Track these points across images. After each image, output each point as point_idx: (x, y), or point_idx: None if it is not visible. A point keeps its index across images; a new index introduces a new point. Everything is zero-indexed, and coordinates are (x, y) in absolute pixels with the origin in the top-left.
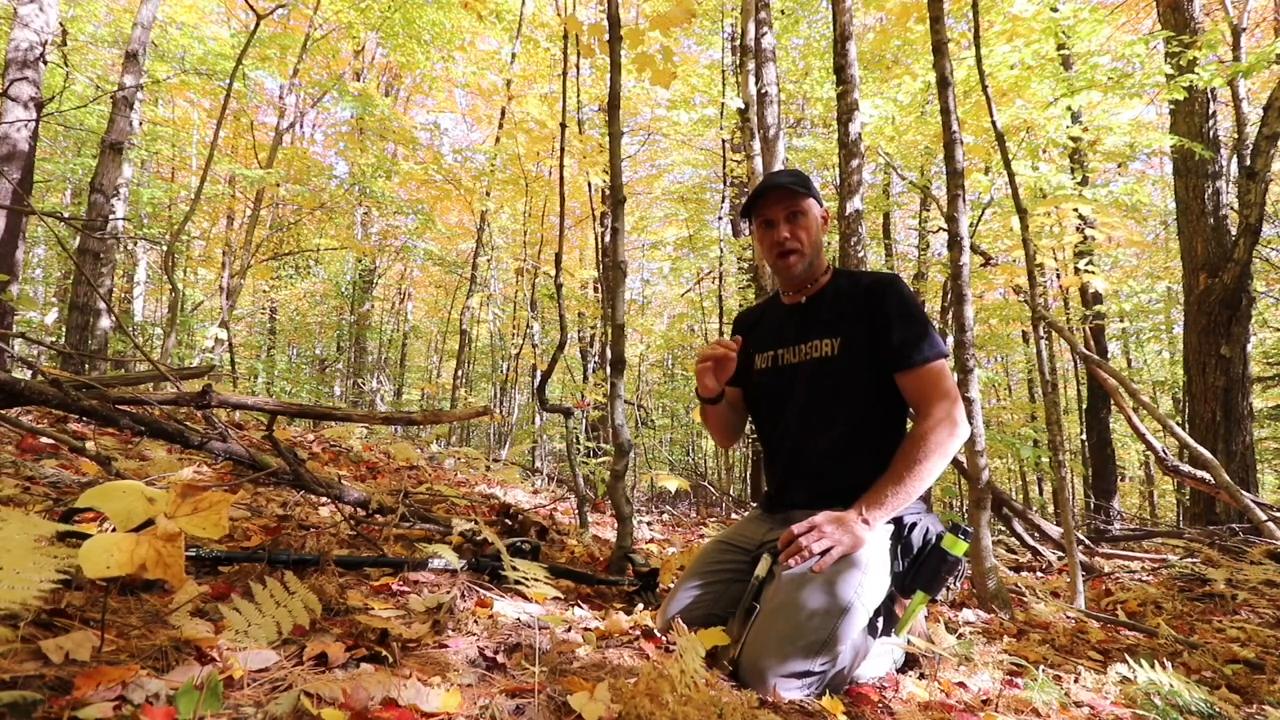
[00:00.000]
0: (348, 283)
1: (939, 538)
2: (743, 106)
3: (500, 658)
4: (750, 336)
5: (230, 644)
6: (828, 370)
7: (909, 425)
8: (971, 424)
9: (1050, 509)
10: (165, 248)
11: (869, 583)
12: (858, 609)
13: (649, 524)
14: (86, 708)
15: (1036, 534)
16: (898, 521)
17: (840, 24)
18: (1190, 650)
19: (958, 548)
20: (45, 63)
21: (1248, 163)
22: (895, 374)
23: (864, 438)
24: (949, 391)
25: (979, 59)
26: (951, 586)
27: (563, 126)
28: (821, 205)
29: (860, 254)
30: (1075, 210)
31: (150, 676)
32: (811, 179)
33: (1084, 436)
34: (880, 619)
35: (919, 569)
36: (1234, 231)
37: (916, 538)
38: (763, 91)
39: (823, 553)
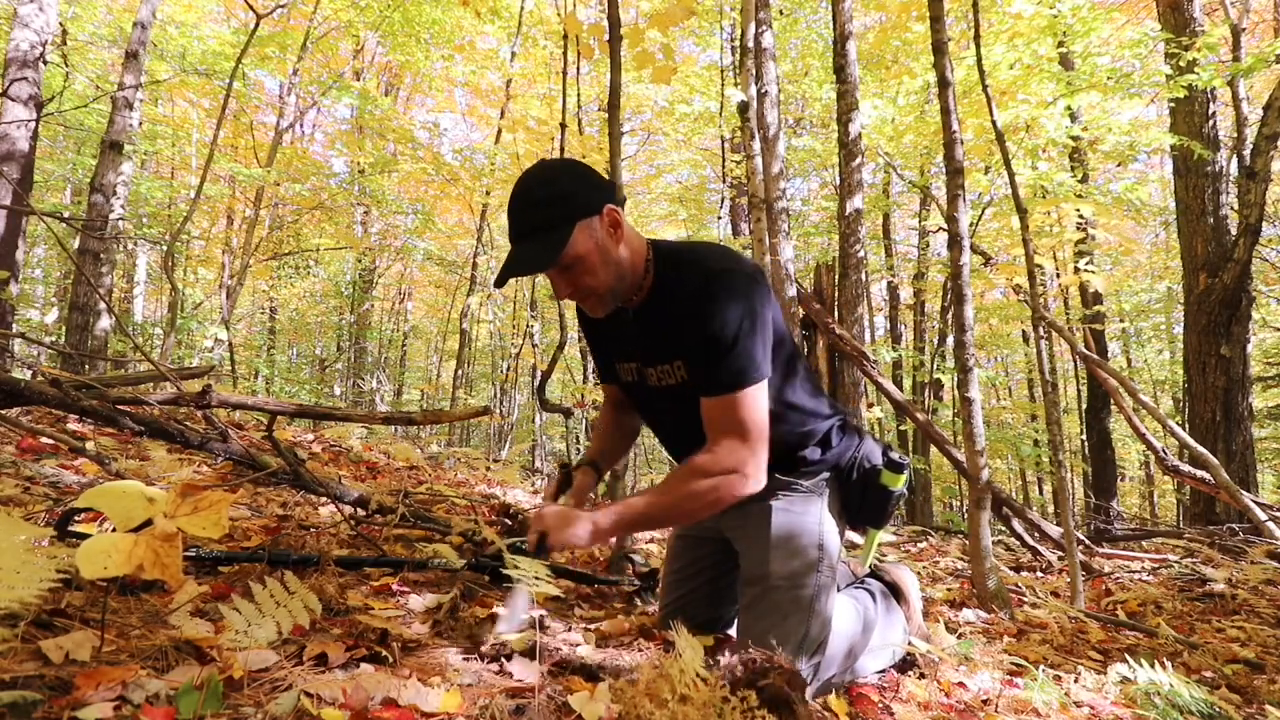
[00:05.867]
0: (348, 283)
1: (877, 474)
2: (745, 101)
3: (500, 658)
4: (602, 331)
5: (230, 644)
6: (686, 394)
7: (809, 397)
8: (971, 424)
9: (1050, 509)
10: (165, 248)
11: (825, 569)
12: (821, 601)
13: None
14: (86, 708)
15: (1036, 534)
16: (835, 468)
17: (840, 24)
18: (1190, 650)
19: (897, 482)
20: (45, 63)
21: (1248, 163)
22: (699, 397)
23: None
24: (739, 428)
25: (979, 59)
26: (899, 513)
27: (563, 126)
28: (593, 210)
29: (860, 254)
30: (1076, 210)
31: (150, 676)
32: (560, 191)
33: (1084, 436)
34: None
35: (863, 505)
36: (1234, 231)
37: (854, 475)
38: (763, 91)
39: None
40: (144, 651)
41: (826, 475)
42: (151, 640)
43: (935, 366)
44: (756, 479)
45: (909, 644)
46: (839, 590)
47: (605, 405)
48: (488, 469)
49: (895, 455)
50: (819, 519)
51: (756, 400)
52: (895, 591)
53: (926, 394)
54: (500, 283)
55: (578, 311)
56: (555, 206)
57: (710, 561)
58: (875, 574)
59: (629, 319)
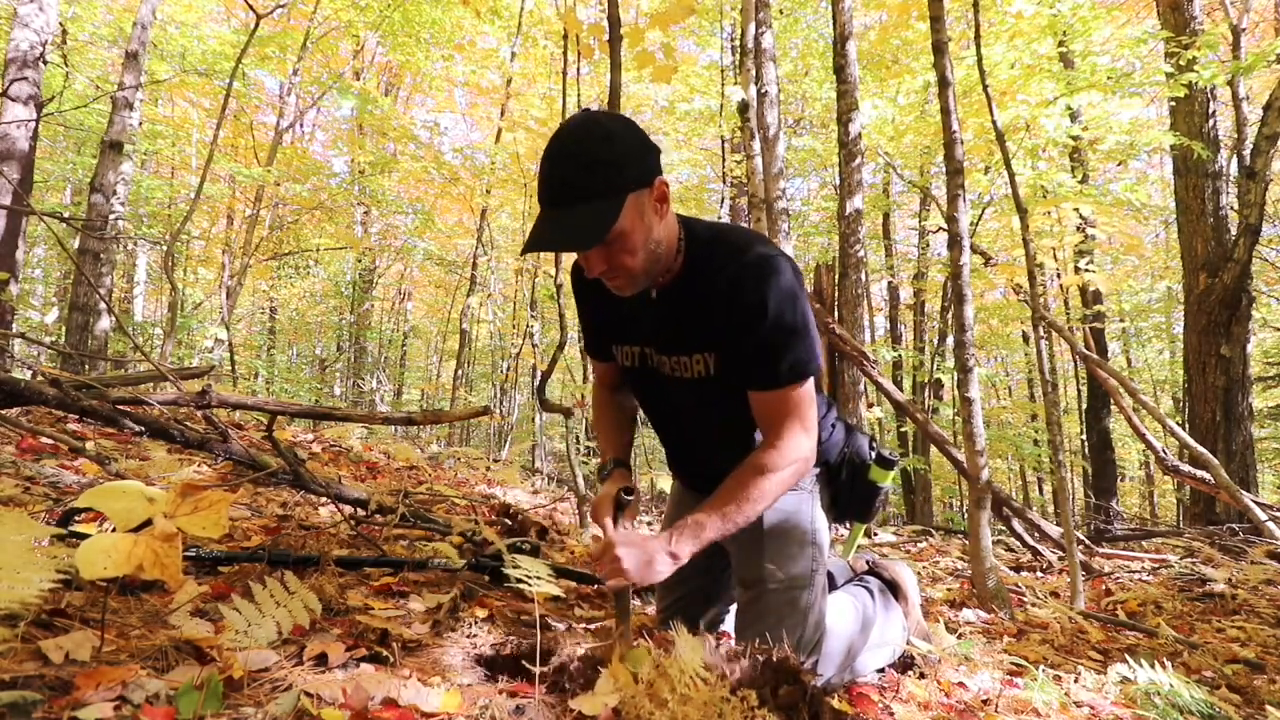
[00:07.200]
0: (348, 283)
1: (866, 469)
2: (745, 101)
3: (500, 658)
4: (600, 306)
5: (230, 644)
6: (709, 389)
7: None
8: (971, 424)
9: (1050, 509)
10: (165, 248)
11: (818, 568)
12: (817, 602)
13: (649, 524)
14: (86, 708)
15: (1036, 534)
16: (825, 463)
17: (840, 24)
18: (1190, 650)
19: (885, 478)
20: (45, 63)
21: (1248, 163)
22: (748, 391)
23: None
24: (802, 419)
25: (979, 59)
26: (899, 513)
27: None
28: (646, 181)
29: (860, 254)
30: (1076, 210)
31: (150, 676)
32: (617, 154)
33: (1084, 436)
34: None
35: (851, 500)
36: (1234, 231)
37: (844, 472)
38: (763, 91)
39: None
40: (144, 651)
41: (817, 472)
42: (151, 640)
43: (935, 366)
44: (810, 459)
45: (909, 643)
46: (838, 588)
47: (600, 389)
48: (488, 469)
49: (885, 451)
50: (811, 516)
51: (813, 391)
52: (894, 589)
53: (926, 394)
54: (527, 251)
55: (574, 277)
56: (609, 172)
57: (704, 564)
58: (874, 571)
59: (649, 301)
